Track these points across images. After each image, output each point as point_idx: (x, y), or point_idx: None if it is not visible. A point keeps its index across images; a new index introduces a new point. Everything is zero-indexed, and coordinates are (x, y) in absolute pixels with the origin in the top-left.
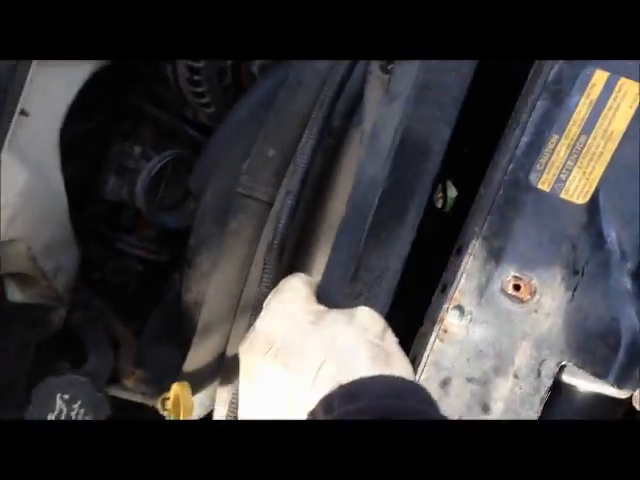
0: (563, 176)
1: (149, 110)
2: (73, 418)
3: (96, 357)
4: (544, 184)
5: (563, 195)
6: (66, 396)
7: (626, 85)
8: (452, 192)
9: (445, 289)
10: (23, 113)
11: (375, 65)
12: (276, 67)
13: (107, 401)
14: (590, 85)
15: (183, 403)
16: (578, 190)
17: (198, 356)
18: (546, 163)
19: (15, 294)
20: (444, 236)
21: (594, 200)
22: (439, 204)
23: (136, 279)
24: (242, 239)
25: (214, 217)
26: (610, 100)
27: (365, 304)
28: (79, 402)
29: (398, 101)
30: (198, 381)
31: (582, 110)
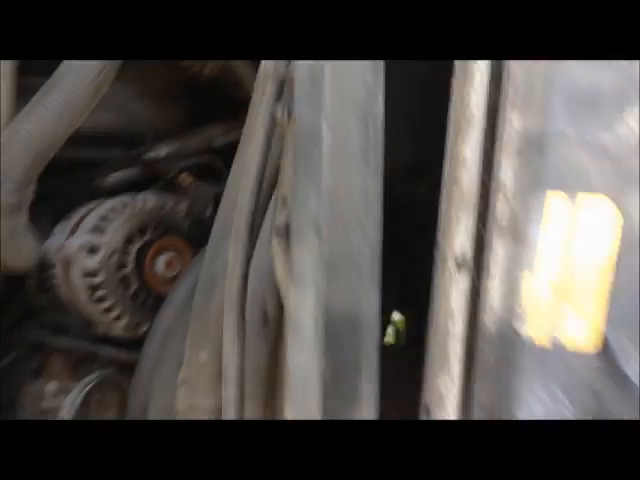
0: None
1: (56, 342)
2: None
3: None
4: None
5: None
6: None
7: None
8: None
9: None
10: None
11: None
12: (189, 270)
13: None
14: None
15: None
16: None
17: None
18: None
19: None
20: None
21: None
22: (390, 338)
23: None
24: None
25: None
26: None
27: None
28: None
29: (309, 285)
30: None
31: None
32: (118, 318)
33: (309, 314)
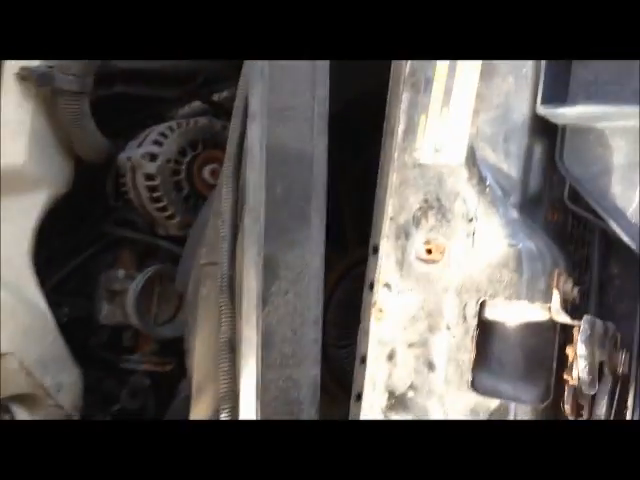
0: (438, 146)
1: (124, 235)
2: None
3: None
4: (426, 159)
5: (444, 162)
6: None
7: None
8: None
9: (372, 278)
10: None
11: None
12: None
13: None
14: (438, 67)
15: None
16: (454, 153)
17: (197, 414)
18: (422, 140)
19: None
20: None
21: (469, 156)
22: None
23: (152, 400)
24: (212, 301)
25: None
26: (457, 73)
27: (296, 301)
28: None
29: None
30: None
31: (439, 87)
32: (172, 217)
33: (258, 143)
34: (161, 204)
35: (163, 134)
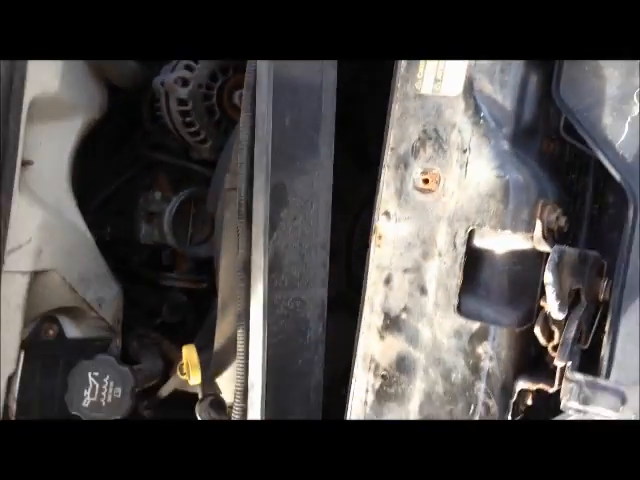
0: (438, 76)
1: (160, 159)
2: (104, 391)
3: (148, 363)
4: (426, 89)
5: (442, 93)
6: (96, 373)
7: None
8: None
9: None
10: (27, 163)
11: None
12: None
13: (132, 374)
14: None
15: (189, 360)
16: (452, 85)
17: (222, 330)
18: (423, 71)
19: (72, 331)
20: None
21: (466, 88)
22: None
23: (191, 315)
24: (234, 224)
25: None
26: None
27: (304, 227)
28: (108, 376)
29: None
30: (226, 352)
31: None
32: (204, 141)
33: (267, 75)
34: (193, 129)
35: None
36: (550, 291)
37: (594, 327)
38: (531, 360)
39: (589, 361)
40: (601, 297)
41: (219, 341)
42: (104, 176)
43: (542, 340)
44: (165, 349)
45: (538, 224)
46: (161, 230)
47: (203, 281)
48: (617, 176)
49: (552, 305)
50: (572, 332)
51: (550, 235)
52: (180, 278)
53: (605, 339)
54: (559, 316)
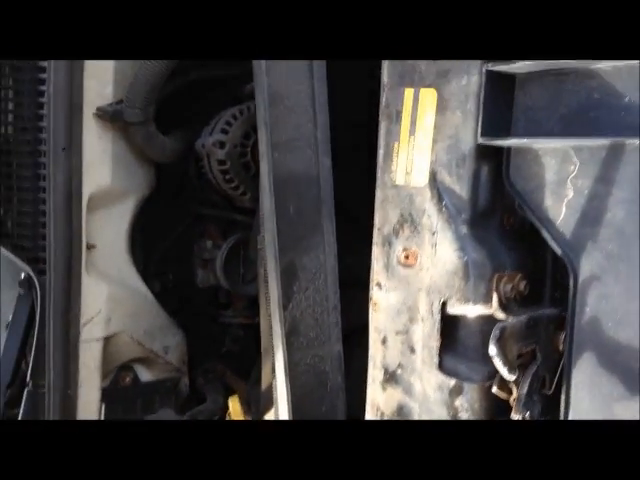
0: (408, 169)
1: (208, 212)
2: None
3: (210, 401)
4: (400, 180)
5: (413, 183)
6: None
7: (424, 92)
8: None
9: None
10: (92, 247)
11: None
12: None
13: None
14: (405, 101)
15: (233, 411)
16: (419, 177)
17: (265, 374)
18: (396, 164)
19: (145, 375)
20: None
21: (431, 179)
22: None
23: (254, 345)
24: None
25: None
26: (419, 106)
27: (315, 295)
28: None
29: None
30: (268, 396)
31: (406, 119)
32: (244, 194)
33: (267, 178)
34: (233, 184)
35: (228, 122)
36: (496, 361)
37: (557, 374)
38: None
39: (557, 403)
40: (561, 348)
41: (264, 385)
42: (161, 231)
43: (502, 396)
44: (228, 380)
45: (495, 297)
46: (215, 274)
47: (256, 316)
48: (558, 251)
49: (501, 371)
50: (525, 389)
51: (510, 301)
52: (236, 315)
53: (563, 386)
54: (510, 378)
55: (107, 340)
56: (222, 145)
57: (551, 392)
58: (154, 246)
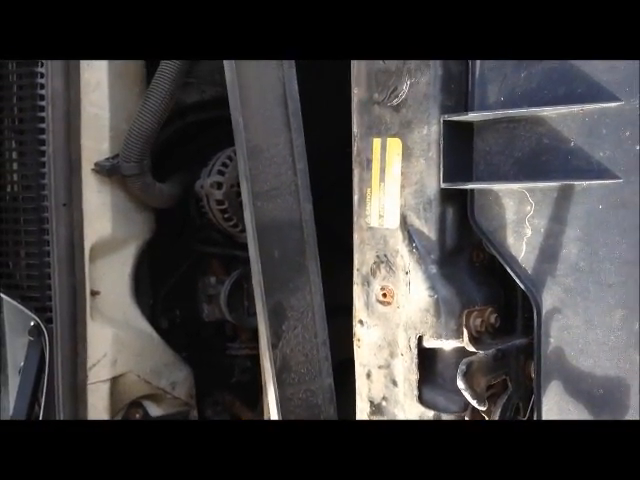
0: (381, 213)
1: (211, 250)
2: None
3: None
4: (374, 222)
5: (386, 226)
6: None
7: (391, 141)
8: None
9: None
10: (95, 293)
11: None
12: None
13: None
14: (373, 150)
15: None
16: (391, 219)
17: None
18: (370, 208)
19: (155, 411)
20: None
21: (402, 222)
22: None
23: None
24: None
25: None
26: (387, 155)
27: (304, 332)
28: None
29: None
30: None
31: (375, 166)
32: (243, 231)
33: (251, 226)
34: (232, 222)
35: (224, 164)
36: (465, 394)
37: (531, 401)
38: None
39: None
40: (533, 376)
41: (266, 416)
42: (167, 269)
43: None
44: (237, 410)
45: (465, 332)
46: (220, 308)
47: None
48: (522, 286)
49: (472, 402)
50: (496, 416)
51: (483, 334)
52: (242, 346)
53: (535, 413)
54: (481, 408)
55: (114, 380)
56: (219, 186)
57: (526, 418)
58: (160, 284)
